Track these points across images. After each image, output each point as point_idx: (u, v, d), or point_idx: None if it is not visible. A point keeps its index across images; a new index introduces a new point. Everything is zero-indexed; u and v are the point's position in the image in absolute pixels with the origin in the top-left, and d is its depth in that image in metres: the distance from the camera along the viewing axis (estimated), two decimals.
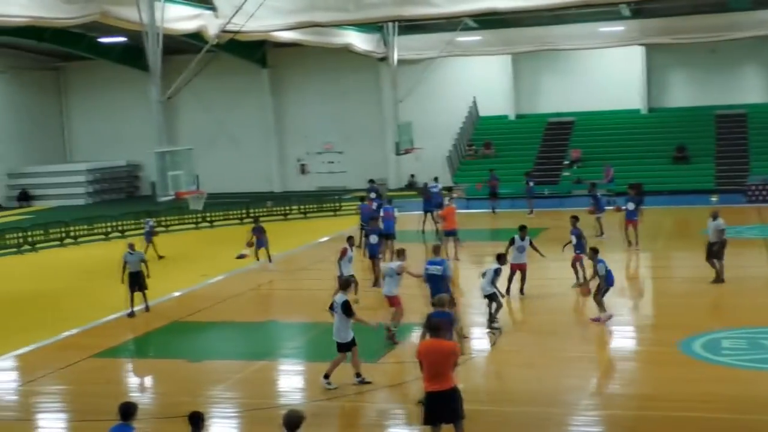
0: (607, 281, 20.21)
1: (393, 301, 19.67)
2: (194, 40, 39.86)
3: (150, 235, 32.83)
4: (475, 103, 52.07)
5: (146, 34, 28.83)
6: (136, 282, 23.21)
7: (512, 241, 23.04)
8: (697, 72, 49.64)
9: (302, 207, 43.87)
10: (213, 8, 34.03)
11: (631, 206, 29.83)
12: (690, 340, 18.48)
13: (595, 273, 20.36)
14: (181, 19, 33.32)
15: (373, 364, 18.19)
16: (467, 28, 46.56)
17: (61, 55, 56.10)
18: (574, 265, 23.92)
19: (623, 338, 20.01)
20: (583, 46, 47.48)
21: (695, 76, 49.73)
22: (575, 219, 24.83)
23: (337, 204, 43.83)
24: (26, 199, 54.47)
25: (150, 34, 28.80)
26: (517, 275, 23.17)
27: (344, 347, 16.56)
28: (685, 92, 49.77)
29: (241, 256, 31.55)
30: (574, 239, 24.04)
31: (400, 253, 20.09)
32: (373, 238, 25.42)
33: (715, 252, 24.01)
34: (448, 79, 51.75)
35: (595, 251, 20.85)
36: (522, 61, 51.36)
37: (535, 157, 48.92)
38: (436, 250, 20.16)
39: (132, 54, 51.27)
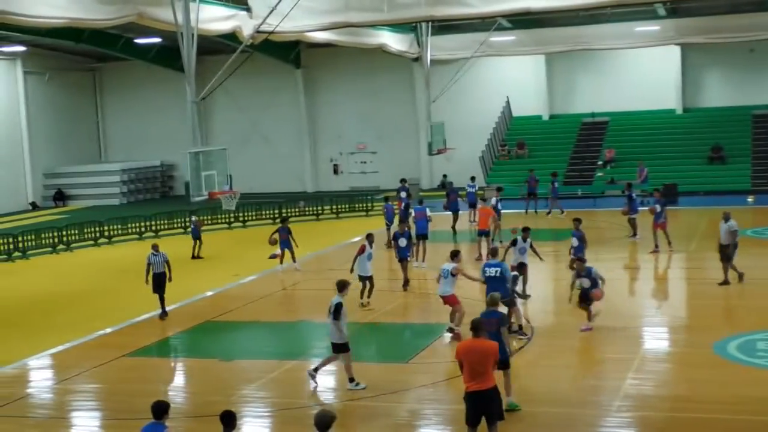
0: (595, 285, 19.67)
1: (449, 299, 19.72)
2: (229, 40, 40.04)
3: (196, 232, 33.25)
4: (508, 103, 51.91)
5: (181, 34, 28.97)
6: (159, 283, 23.03)
7: (514, 242, 22.66)
8: (733, 72, 49.16)
9: (334, 207, 43.90)
10: (247, 9, 34.21)
11: (657, 208, 29.46)
12: (724, 341, 18.32)
13: (591, 282, 19.66)
14: (216, 20, 33.50)
15: (404, 364, 18.22)
16: (501, 28, 46.43)
17: (98, 56, 56.63)
18: (572, 267, 22.85)
19: (657, 339, 19.90)
20: (618, 45, 47.19)
21: (732, 75, 49.25)
22: (578, 221, 24.26)
23: (370, 204, 43.82)
24: (62, 198, 54.98)
25: (185, 35, 28.94)
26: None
27: (340, 348, 16.58)
28: (721, 92, 49.29)
29: (273, 256, 31.70)
30: (575, 241, 23.53)
31: (455, 255, 19.84)
32: (402, 242, 25.08)
33: (728, 254, 23.66)
34: (482, 79, 51.60)
35: (581, 260, 20.50)
36: (556, 61, 51.14)
37: (568, 158, 48.69)
38: (494, 252, 19.79)
39: (167, 55, 51.70)
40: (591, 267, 19.88)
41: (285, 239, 28.81)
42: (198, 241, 33.03)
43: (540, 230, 31.57)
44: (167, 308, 23.32)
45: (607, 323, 20.94)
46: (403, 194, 35.82)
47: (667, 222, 29.39)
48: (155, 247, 23.54)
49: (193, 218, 34.44)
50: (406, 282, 24.84)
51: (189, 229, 34.61)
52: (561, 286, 23.98)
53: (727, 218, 23.92)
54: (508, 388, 14.82)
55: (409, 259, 25.42)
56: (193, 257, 32.60)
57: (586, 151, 48.67)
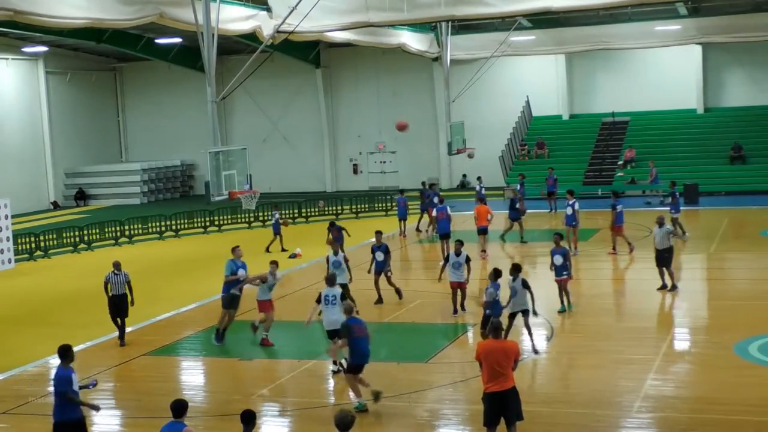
0: (494, 309, 18.23)
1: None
2: (249, 40, 40.18)
3: (278, 227, 33.70)
4: (528, 102, 51.81)
5: (201, 35, 29.05)
6: (119, 306, 20.80)
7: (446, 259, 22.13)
8: (755, 71, 48.86)
9: (354, 207, 43.90)
10: (267, 9, 34.28)
11: (618, 209, 29.09)
12: (746, 342, 18.22)
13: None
14: (236, 20, 33.58)
15: (423, 364, 18.21)
16: (521, 28, 46.36)
17: (119, 56, 56.92)
18: (563, 290, 21.85)
19: (678, 340, 19.78)
20: (639, 45, 47.00)
21: (754, 75, 48.95)
22: (559, 236, 22.51)
23: (389, 204, 43.78)
24: (83, 198, 55.27)
25: (205, 35, 29.01)
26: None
27: (334, 334, 17.47)
28: (742, 91, 49.01)
29: (293, 256, 31.85)
30: (559, 259, 21.46)
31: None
32: (379, 255, 23.54)
33: (666, 259, 23.27)
34: (502, 79, 51.53)
35: (495, 274, 18.45)
36: (576, 61, 51.02)
37: (588, 157, 48.54)
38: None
39: (187, 55, 51.94)
40: (497, 284, 18.43)
41: (337, 237, 29.27)
42: (278, 237, 33.64)
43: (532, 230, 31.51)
44: (127, 330, 21.28)
45: (627, 324, 20.91)
46: (435, 199, 35.85)
47: (622, 226, 29.20)
48: (117, 265, 20.95)
49: (276, 214, 34.64)
50: (379, 299, 23.51)
51: (270, 223, 34.90)
52: (583, 285, 23.95)
53: (661, 223, 23.51)
54: (360, 389, 15.56)
55: (389, 274, 23.67)
56: (267, 250, 33.22)
57: (606, 151, 48.50)
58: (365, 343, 15.63)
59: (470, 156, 46.59)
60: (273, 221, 34.36)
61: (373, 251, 23.81)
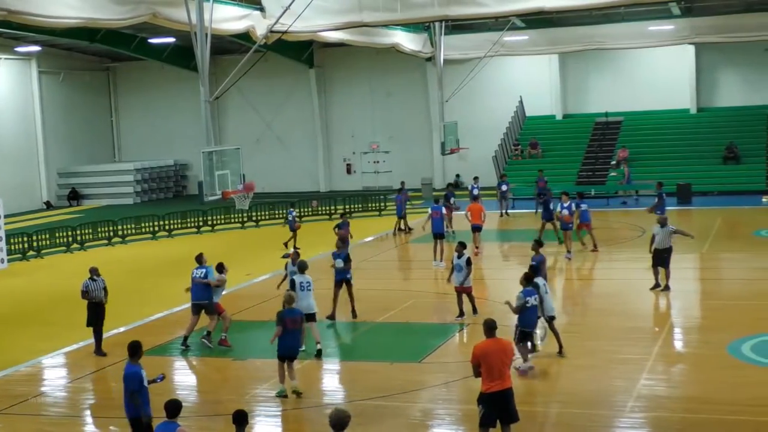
0: (524, 318, 17.13)
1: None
2: (242, 40, 40.13)
3: (293, 224, 33.64)
4: (521, 102, 51.83)
5: (195, 34, 28.99)
6: (98, 314, 20.33)
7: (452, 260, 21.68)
8: (748, 71, 48.92)
9: (347, 207, 43.87)
10: (261, 9, 34.26)
11: (573, 207, 29.23)
12: (738, 342, 18.25)
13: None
14: (230, 20, 33.55)
15: (417, 363, 18.21)
16: (514, 28, 46.39)
17: (112, 56, 56.83)
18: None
19: (671, 340, 19.80)
20: (632, 45, 47.02)
21: (747, 75, 49.00)
22: (538, 244, 21.15)
23: (383, 204, 43.79)
24: (76, 198, 55.16)
25: (199, 35, 28.92)
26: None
27: (311, 317, 18.53)
28: (735, 92, 49.07)
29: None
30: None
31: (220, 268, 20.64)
32: (339, 263, 21.84)
33: (665, 259, 23.33)
34: (495, 79, 51.55)
35: (526, 278, 17.35)
36: (569, 61, 51.05)
37: (582, 157, 48.59)
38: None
39: (181, 54, 51.83)
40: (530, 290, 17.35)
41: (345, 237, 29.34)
42: (294, 233, 33.52)
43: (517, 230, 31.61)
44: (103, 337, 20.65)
45: (620, 323, 20.92)
46: (453, 200, 35.63)
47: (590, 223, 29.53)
48: (94, 271, 20.33)
49: (293, 212, 34.63)
50: (333, 315, 21.93)
51: (286, 221, 34.74)
52: (575, 286, 23.96)
53: (663, 223, 23.55)
54: (285, 377, 16.38)
55: (350, 279, 22.03)
56: (285, 245, 33.38)
57: (600, 151, 48.55)
58: (296, 336, 16.34)
59: (460, 157, 46.42)
60: (290, 218, 34.17)
61: (334, 257, 22.21)
